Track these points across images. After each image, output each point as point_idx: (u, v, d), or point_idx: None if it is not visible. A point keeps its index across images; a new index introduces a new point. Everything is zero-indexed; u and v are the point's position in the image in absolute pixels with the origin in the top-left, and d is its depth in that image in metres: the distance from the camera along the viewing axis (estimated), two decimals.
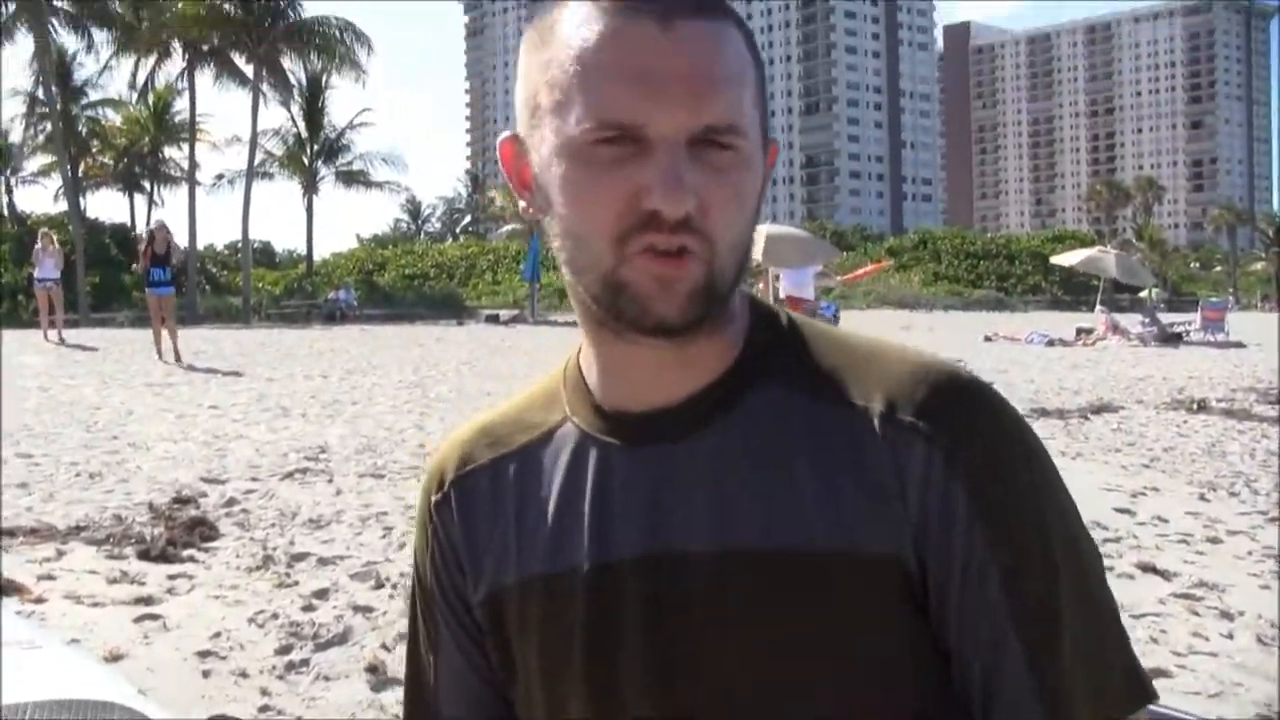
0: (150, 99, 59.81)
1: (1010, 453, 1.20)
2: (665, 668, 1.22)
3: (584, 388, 1.32)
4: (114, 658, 4.97)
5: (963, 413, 1.20)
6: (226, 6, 49.69)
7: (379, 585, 6.20)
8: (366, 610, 5.78)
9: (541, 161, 1.20)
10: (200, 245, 59.55)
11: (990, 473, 1.17)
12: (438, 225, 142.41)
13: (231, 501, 8.37)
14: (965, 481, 1.16)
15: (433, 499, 1.40)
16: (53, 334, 24.62)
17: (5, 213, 58.92)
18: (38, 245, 24.73)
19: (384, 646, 5.32)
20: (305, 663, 5.12)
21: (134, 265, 28.97)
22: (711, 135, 1.13)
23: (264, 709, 4.67)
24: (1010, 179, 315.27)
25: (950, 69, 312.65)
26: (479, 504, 1.36)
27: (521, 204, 1.29)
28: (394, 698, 4.85)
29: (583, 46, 1.14)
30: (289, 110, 60.79)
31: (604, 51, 1.13)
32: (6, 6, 46.50)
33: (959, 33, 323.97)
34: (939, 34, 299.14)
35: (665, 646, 1.22)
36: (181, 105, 58.85)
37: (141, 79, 56.19)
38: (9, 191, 63.69)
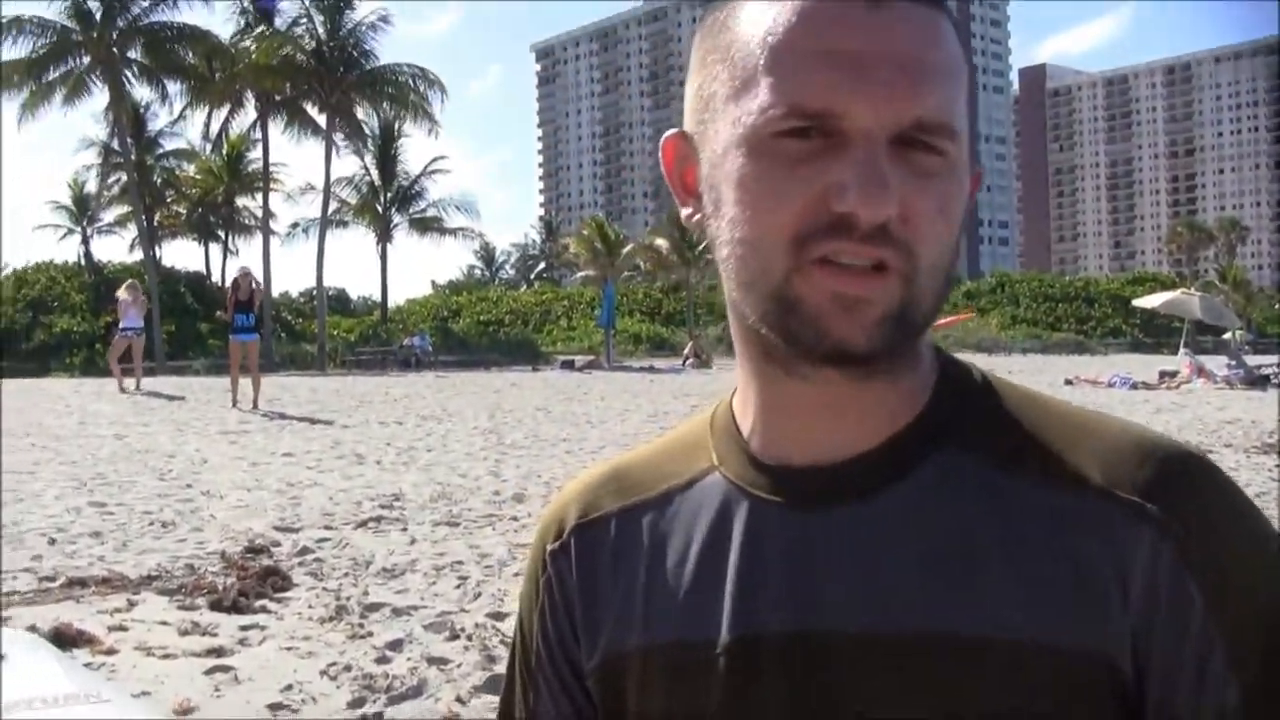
0: (224, 149, 60.44)
1: (1250, 549, 1.01)
2: None
3: (736, 434, 1.14)
4: (184, 711, 4.88)
5: (1195, 496, 1.00)
6: (299, 57, 50.16)
7: (454, 636, 6.09)
8: (441, 662, 5.66)
9: (713, 157, 1.03)
10: (275, 293, 59.92)
11: (1229, 571, 0.98)
12: (512, 271, 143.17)
13: (305, 550, 8.31)
14: (1200, 579, 0.97)
15: (548, 548, 1.23)
16: (128, 382, 24.77)
17: (83, 262, 59.71)
18: (124, 296, 24.82)
19: (459, 699, 5.20)
20: (379, 716, 5.00)
21: (217, 313, 29.02)
22: (920, 134, 0.96)
23: None
24: (1088, 221, 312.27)
25: (1026, 111, 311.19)
26: (602, 557, 1.19)
27: (684, 212, 1.11)
28: None
29: (774, 24, 0.97)
30: (362, 158, 61.35)
31: (799, 29, 0.96)
32: (81, 60, 47.19)
33: (1035, 75, 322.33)
34: (1014, 76, 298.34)
35: None
36: (255, 155, 59.49)
37: (215, 129, 56.76)
38: (86, 241, 64.65)
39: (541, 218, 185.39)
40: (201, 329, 47.22)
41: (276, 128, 53.22)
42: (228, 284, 29.73)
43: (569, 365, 40.89)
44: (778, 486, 1.09)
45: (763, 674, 1.06)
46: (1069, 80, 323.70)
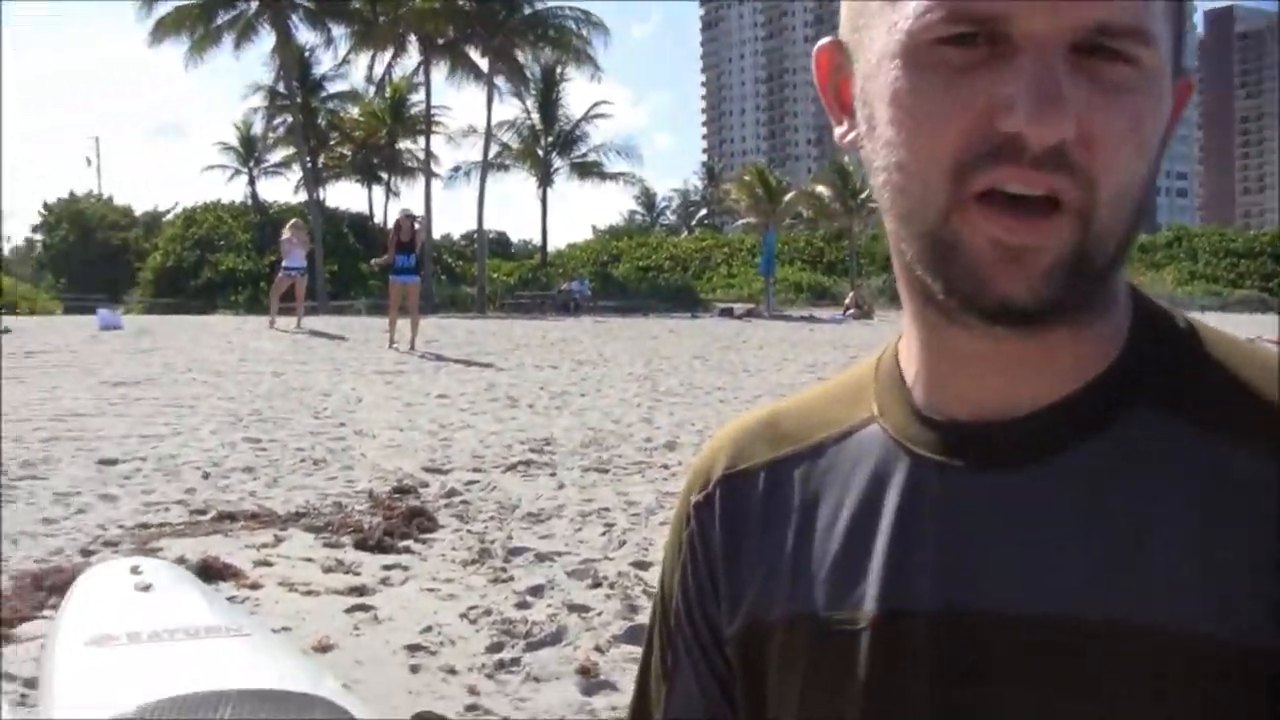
0: (387, 92, 61.06)
1: None
2: None
3: (900, 384, 1.01)
4: (323, 648, 4.89)
5: None
6: (461, 1, 50.39)
7: (596, 584, 6.03)
8: (582, 610, 5.60)
9: (867, 69, 0.90)
10: (436, 235, 60.60)
11: None
12: (672, 217, 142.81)
13: (452, 493, 8.33)
14: None
15: (693, 499, 1.13)
16: (283, 320, 25.12)
17: (249, 202, 60.93)
18: (287, 235, 25.12)
19: (598, 649, 5.13)
20: (516, 662, 4.96)
21: (371, 262, 29.17)
22: (1104, 40, 0.81)
23: (471, 708, 4.52)
24: (1276, 173, 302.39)
25: (1211, 56, 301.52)
26: (748, 512, 1.08)
27: (838, 131, 0.97)
28: (605, 702, 4.67)
29: None
30: (523, 102, 61.49)
31: None
32: (249, 4, 48.01)
33: (1222, 18, 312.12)
34: (1199, 19, 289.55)
35: None
36: (417, 98, 59.89)
37: (378, 73, 57.37)
38: (252, 182, 65.79)
39: (704, 163, 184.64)
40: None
41: (439, 71, 53.60)
42: (390, 226, 30.02)
43: (728, 313, 40.70)
44: (941, 444, 0.97)
45: (909, 653, 0.94)
46: (1259, 23, 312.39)
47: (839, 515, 1.01)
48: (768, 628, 1.03)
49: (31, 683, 4.36)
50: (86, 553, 6.28)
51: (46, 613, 5.11)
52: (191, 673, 3.55)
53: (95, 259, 61.35)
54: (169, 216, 62.19)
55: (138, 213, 68.16)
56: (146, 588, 4.12)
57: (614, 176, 65.99)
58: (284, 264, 25.24)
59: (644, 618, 5.47)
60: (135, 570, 4.20)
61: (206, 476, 8.77)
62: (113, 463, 9.23)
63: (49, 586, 5.41)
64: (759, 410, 1.16)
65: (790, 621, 1.01)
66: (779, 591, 1.03)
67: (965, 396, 0.95)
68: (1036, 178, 0.81)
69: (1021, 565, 0.90)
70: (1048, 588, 0.88)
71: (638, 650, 5.02)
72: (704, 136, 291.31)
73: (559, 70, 60.04)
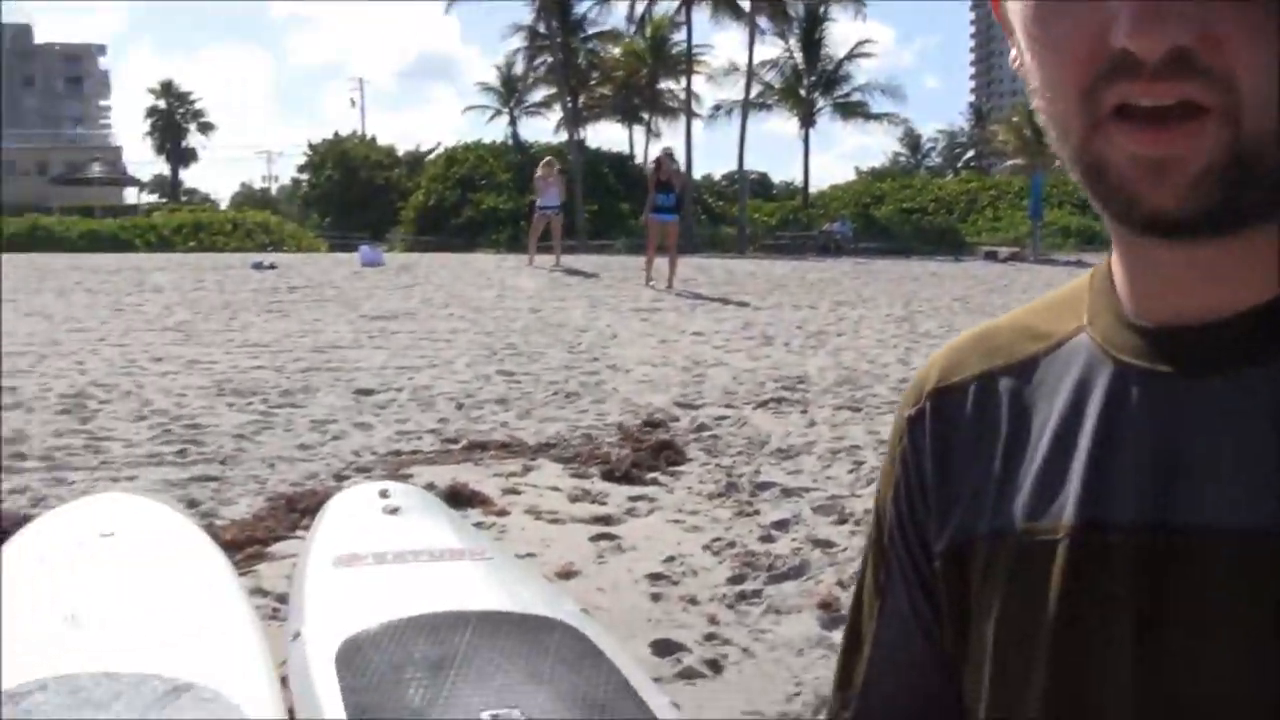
0: (648, 31, 61.22)
1: None
2: (1154, 675, 0.88)
3: (1111, 291, 0.98)
4: (566, 575, 4.96)
5: None
6: None
7: (842, 520, 5.99)
8: (826, 545, 5.58)
9: None
10: (697, 175, 60.67)
11: None
12: (938, 160, 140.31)
13: (702, 427, 8.36)
14: None
15: (906, 413, 1.10)
16: (542, 259, 25.48)
17: (510, 142, 61.91)
18: (540, 173, 25.47)
19: (840, 584, 5.10)
20: (757, 594, 4.97)
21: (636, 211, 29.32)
22: None
23: (710, 637, 4.54)
24: None
25: None
26: (958, 427, 1.05)
27: (1011, 54, 0.94)
28: None
29: None
30: (786, 41, 61.02)
31: None
32: None
33: None
34: None
35: (1159, 648, 0.87)
36: (679, 37, 59.99)
37: (639, 12, 57.61)
38: (513, 122, 66.78)
39: (971, 104, 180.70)
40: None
41: (700, 10, 53.53)
42: (649, 166, 30.14)
43: (992, 256, 39.85)
44: (1146, 350, 0.92)
45: (1108, 563, 0.90)
46: None
47: (1045, 427, 0.98)
48: (972, 543, 1.01)
49: (282, 598, 4.53)
50: (339, 478, 6.51)
51: (299, 533, 5.31)
52: (434, 593, 3.65)
53: (359, 198, 63.09)
54: (431, 156, 63.52)
55: (400, 153, 69.84)
56: (394, 511, 4.25)
57: (878, 117, 65.12)
58: (539, 203, 25.60)
59: None
60: (384, 494, 4.34)
61: (460, 407, 8.99)
62: (369, 393, 9.54)
63: (302, 509, 5.62)
64: (974, 327, 1.13)
65: (993, 536, 0.99)
66: (984, 506, 1.00)
67: (1167, 300, 0.91)
68: (1161, 88, 0.76)
69: (1228, 475, 0.85)
70: (1255, 500, 0.83)
71: None
72: (971, 77, 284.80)
73: (822, 9, 59.41)
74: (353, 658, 3.22)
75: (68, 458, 6.87)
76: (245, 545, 5.09)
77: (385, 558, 3.88)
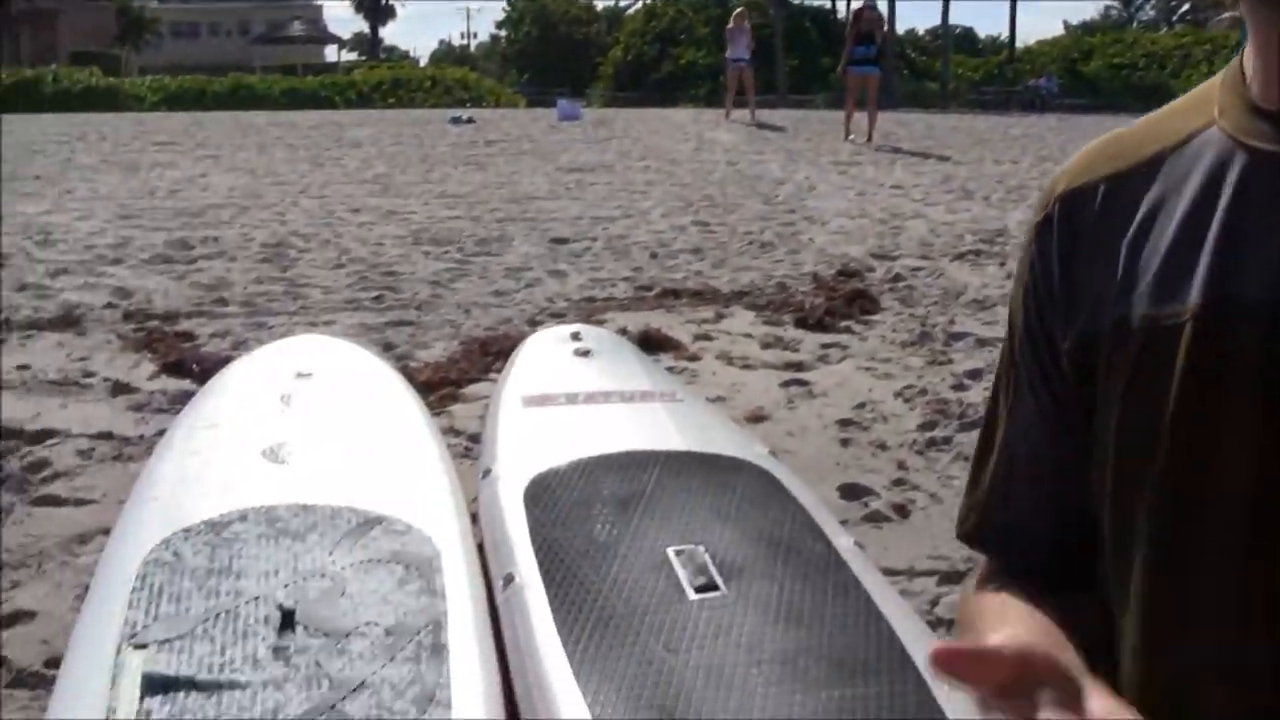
0: None
1: None
2: (1277, 447, 0.87)
3: (1241, 83, 0.97)
4: (755, 419, 4.96)
5: None
6: None
7: None
8: None
9: None
10: (900, 30, 59.37)
11: None
12: (1151, 13, 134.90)
13: (897, 278, 8.26)
14: None
15: (1035, 220, 1.12)
16: (739, 113, 25.20)
17: None
18: (730, 25, 25.10)
19: None
20: (947, 441, 4.92)
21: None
22: None
23: (898, 483, 4.52)
24: None
25: None
26: (1086, 225, 1.06)
27: None
28: None
29: None
30: None
31: None
32: None
33: None
34: None
35: None
36: None
37: None
38: None
39: None
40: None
41: None
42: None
43: None
44: (1276, 135, 0.91)
45: (1232, 345, 0.90)
46: None
47: (1173, 218, 0.99)
48: (1099, 337, 1.03)
49: (474, 438, 4.62)
50: (533, 323, 6.58)
51: (491, 375, 5.39)
52: (623, 433, 3.68)
53: (557, 54, 63.11)
54: (630, 11, 63.19)
55: (599, 8, 69.59)
56: (586, 353, 4.29)
57: None
58: (728, 55, 25.25)
59: None
60: (576, 336, 4.38)
61: (654, 256, 9.00)
62: (564, 241, 9.59)
63: (495, 352, 5.70)
64: (1107, 134, 1.13)
65: (1119, 325, 1.00)
66: (1110, 301, 1.02)
67: None
68: None
69: None
70: None
71: None
72: None
73: None
74: (541, 494, 3.26)
75: (268, 303, 7.06)
76: (439, 386, 5.18)
77: (576, 398, 3.92)
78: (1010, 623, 1.08)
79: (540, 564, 2.90)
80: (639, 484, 3.35)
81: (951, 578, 3.87)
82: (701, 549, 3.00)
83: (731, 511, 3.25)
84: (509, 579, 2.86)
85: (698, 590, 2.81)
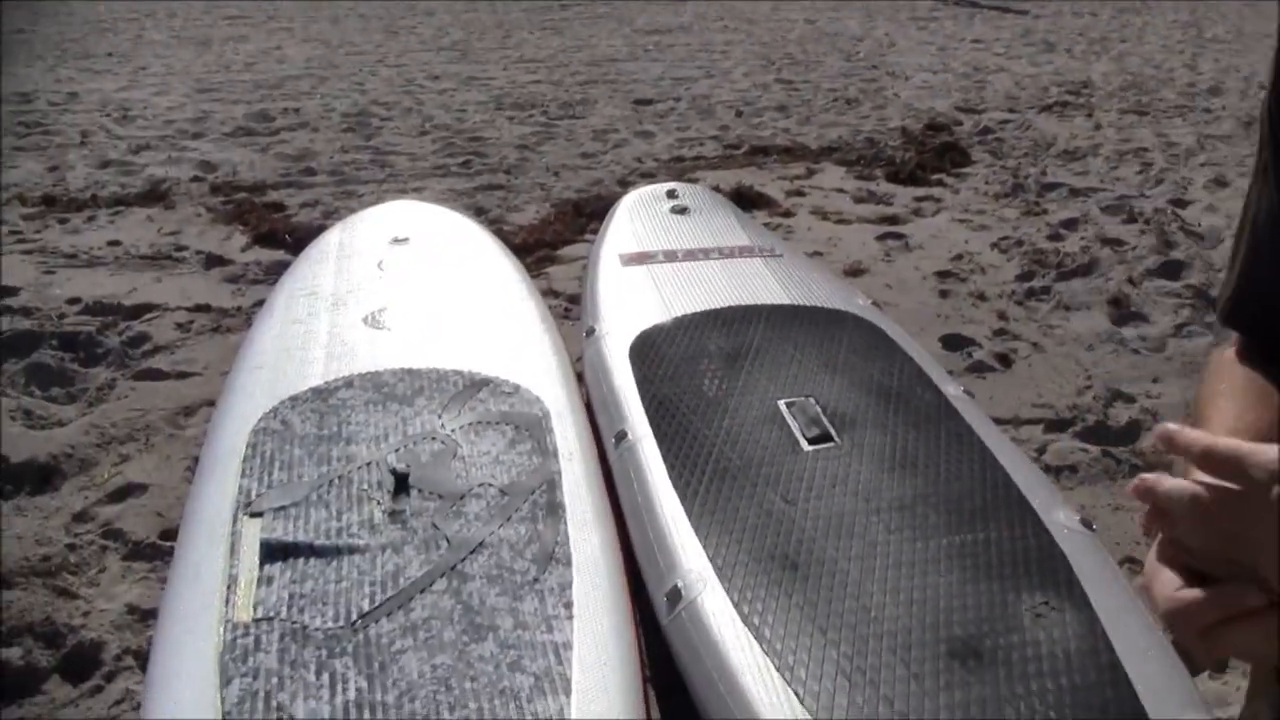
0: None
1: None
2: None
3: None
4: (853, 273, 4.92)
5: None
6: None
7: (1131, 219, 5.79)
8: (1116, 243, 5.41)
9: None
10: None
11: None
12: None
13: (985, 130, 8.12)
14: None
15: None
16: None
17: None
18: None
19: (1130, 281, 4.96)
20: (1046, 290, 4.86)
21: None
22: None
23: (999, 333, 4.48)
24: None
25: None
26: None
27: None
28: (1134, 333, 4.53)
29: None
30: None
31: None
32: None
33: None
34: None
35: None
36: None
37: None
38: None
39: None
40: None
41: None
42: None
43: None
44: None
45: None
46: None
47: None
48: None
49: (573, 299, 4.60)
50: (623, 184, 6.52)
51: (586, 236, 5.36)
52: (725, 288, 3.65)
53: None
54: None
55: None
56: (682, 210, 4.24)
57: None
58: None
59: (1179, 254, 5.23)
60: (671, 194, 4.33)
61: (739, 115, 8.88)
62: (648, 103, 9.47)
63: (589, 213, 5.66)
64: None
65: None
66: None
67: None
68: None
69: None
70: None
71: (1172, 284, 4.85)
72: None
73: None
74: (647, 351, 3.25)
75: (355, 172, 7.02)
76: (534, 249, 5.17)
77: (675, 255, 3.89)
78: (1247, 401, 1.12)
79: (651, 420, 2.90)
80: (744, 338, 3.33)
81: (1057, 425, 3.84)
82: (812, 401, 2.99)
83: (839, 363, 3.22)
84: (621, 435, 2.86)
85: (811, 441, 2.80)
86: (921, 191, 6.30)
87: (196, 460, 3.30)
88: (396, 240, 3.88)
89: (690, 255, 3.91)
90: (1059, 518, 2.59)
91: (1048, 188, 6.38)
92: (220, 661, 2.03)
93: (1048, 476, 3.09)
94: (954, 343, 4.30)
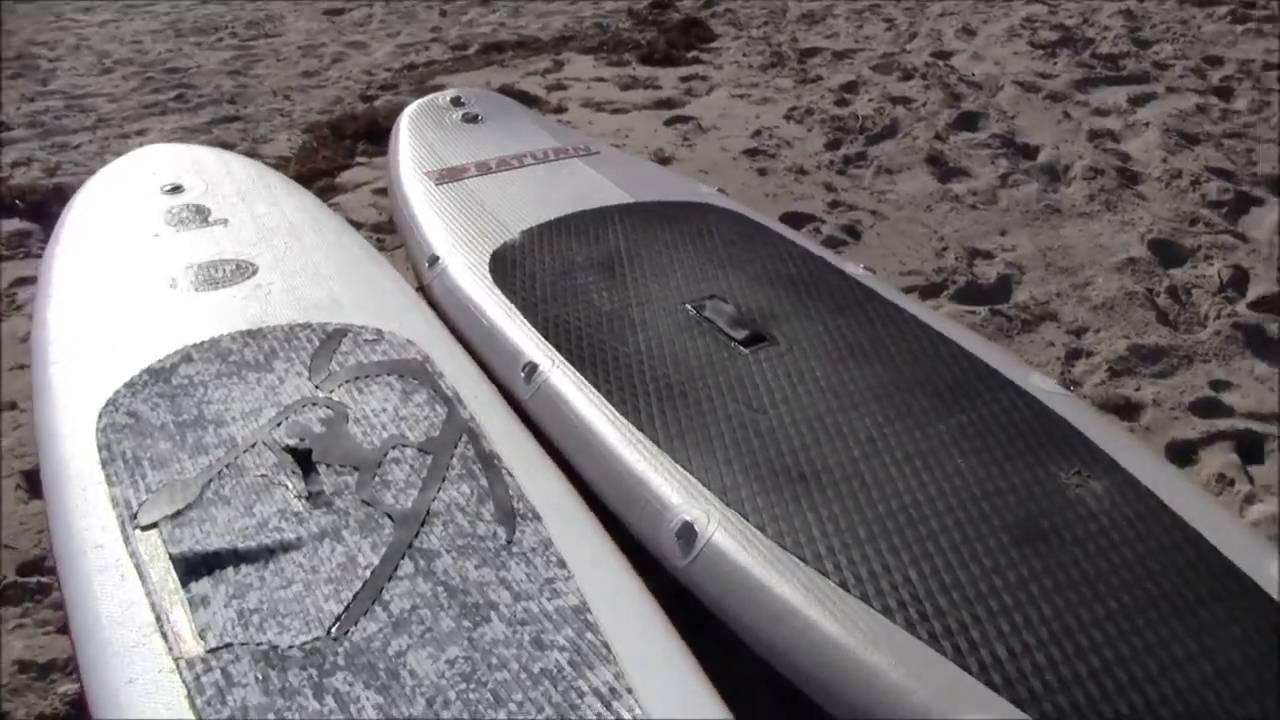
0: None
1: None
2: None
3: None
4: (662, 162, 4.61)
5: None
6: None
7: (907, 76, 5.65)
8: (905, 101, 5.26)
9: None
10: None
11: None
12: None
13: (709, 2, 7.84)
14: None
15: None
16: None
17: None
18: None
19: (938, 137, 4.82)
20: (861, 156, 4.68)
21: None
22: None
23: (834, 205, 4.28)
24: None
25: None
26: None
27: None
28: (964, 188, 4.40)
29: None
30: None
31: None
32: None
33: None
34: None
35: None
36: None
37: None
38: None
39: None
40: None
41: None
42: None
43: None
44: None
45: None
46: None
47: None
48: None
49: (380, 228, 4.20)
50: (367, 99, 6.03)
51: (360, 160, 4.91)
52: (560, 194, 3.34)
53: None
54: None
55: None
56: (475, 118, 3.88)
57: None
58: None
59: (970, 105, 5.14)
60: (457, 102, 3.97)
61: (444, 14, 8.35)
62: (339, 12, 8.81)
63: (351, 134, 5.19)
64: None
65: None
66: None
67: None
68: None
69: None
70: None
71: (978, 136, 4.73)
72: None
73: None
74: (510, 273, 2.93)
75: (55, 121, 6.29)
76: (311, 180, 4.66)
77: (488, 166, 3.55)
78: None
79: (558, 346, 2.59)
80: (608, 244, 3.05)
81: (931, 291, 3.68)
82: (721, 301, 2.73)
83: (722, 257, 2.98)
84: (530, 369, 2.53)
85: (745, 344, 2.55)
86: (684, 71, 6.00)
87: (27, 475, 2.86)
88: (172, 189, 3.38)
89: (504, 164, 3.58)
90: (1036, 382, 2.47)
91: (807, 54, 6.18)
92: (197, 710, 1.65)
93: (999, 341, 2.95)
94: (796, 221, 4.06)
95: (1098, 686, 1.67)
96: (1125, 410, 3.05)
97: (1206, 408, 3.15)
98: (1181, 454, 2.88)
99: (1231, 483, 2.69)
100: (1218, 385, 3.25)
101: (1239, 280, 3.77)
